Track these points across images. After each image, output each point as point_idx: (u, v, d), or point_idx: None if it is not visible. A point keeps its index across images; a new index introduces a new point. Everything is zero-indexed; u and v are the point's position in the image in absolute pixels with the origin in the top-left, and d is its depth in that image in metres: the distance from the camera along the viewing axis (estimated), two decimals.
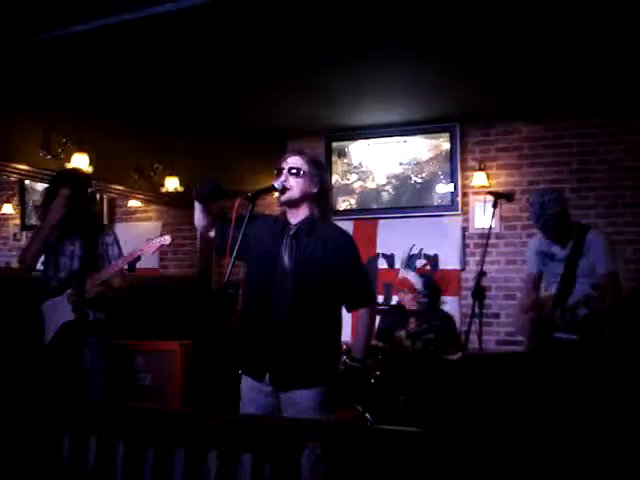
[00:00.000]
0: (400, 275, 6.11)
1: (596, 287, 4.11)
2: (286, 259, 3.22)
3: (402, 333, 5.54)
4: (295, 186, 3.23)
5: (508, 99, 5.85)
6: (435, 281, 6.44)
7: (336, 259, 3.21)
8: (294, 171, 3.24)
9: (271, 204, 6.92)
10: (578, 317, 4.21)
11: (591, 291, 4.18)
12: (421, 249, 6.68)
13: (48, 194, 4.51)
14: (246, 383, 3.26)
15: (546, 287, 4.67)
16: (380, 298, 6.61)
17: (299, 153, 3.36)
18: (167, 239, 4.36)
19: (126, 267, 4.43)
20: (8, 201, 7.70)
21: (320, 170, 3.34)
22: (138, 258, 4.36)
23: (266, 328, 3.22)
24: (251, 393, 3.23)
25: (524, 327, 4.58)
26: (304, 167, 3.26)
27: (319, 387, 3.15)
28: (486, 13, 4.09)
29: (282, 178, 3.24)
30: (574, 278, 4.37)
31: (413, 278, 5.93)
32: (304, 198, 3.26)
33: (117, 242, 4.56)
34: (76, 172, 4.80)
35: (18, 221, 7.72)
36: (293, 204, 3.27)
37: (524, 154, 6.40)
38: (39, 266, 4.59)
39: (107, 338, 4.50)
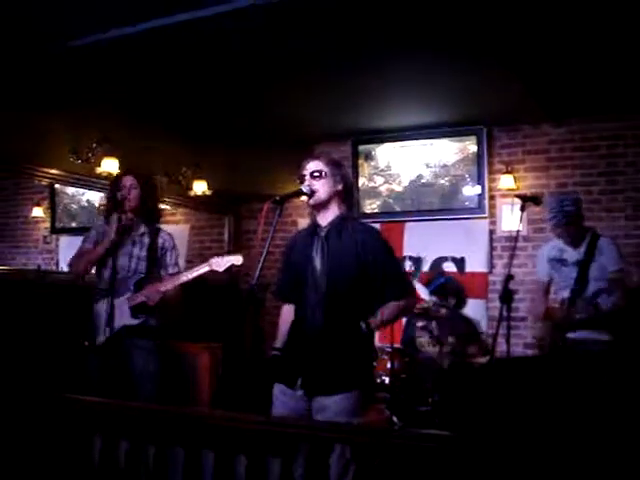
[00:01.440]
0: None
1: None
2: (318, 261, 3.25)
3: (424, 338, 5.56)
4: (320, 188, 3.27)
5: (535, 101, 5.81)
6: (451, 284, 6.40)
7: (369, 256, 3.23)
8: (316, 174, 3.29)
9: (297, 207, 6.98)
10: (600, 307, 4.37)
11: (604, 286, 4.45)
12: (448, 252, 6.67)
13: (108, 199, 4.51)
14: (279, 387, 3.28)
15: (558, 292, 4.78)
16: None
17: (317, 157, 3.41)
18: (239, 259, 4.31)
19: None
20: (38, 204, 7.81)
21: (340, 168, 3.40)
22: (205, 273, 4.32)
23: (299, 332, 3.27)
24: (283, 397, 3.24)
25: (546, 334, 4.67)
26: (325, 168, 3.31)
27: (352, 392, 3.15)
28: (513, 16, 4.08)
29: (306, 183, 3.29)
30: (587, 281, 4.51)
31: (419, 289, 5.92)
32: (331, 198, 3.31)
33: (176, 248, 4.54)
34: (139, 173, 4.64)
35: (48, 224, 7.83)
36: (322, 206, 3.31)
37: (551, 156, 6.36)
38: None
39: (160, 341, 4.46)
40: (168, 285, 4.30)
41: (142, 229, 4.46)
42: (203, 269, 4.29)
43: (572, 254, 4.60)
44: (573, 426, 3.22)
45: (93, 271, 4.48)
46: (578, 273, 4.53)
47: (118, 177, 4.60)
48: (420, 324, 5.70)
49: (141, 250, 4.41)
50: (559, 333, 4.51)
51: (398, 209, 6.96)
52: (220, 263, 4.27)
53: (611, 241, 4.64)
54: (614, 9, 3.96)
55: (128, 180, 4.42)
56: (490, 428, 2.77)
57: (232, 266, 4.27)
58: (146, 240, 4.43)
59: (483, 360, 5.26)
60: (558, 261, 4.68)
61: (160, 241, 4.46)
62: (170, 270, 4.44)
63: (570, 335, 4.46)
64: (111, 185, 4.58)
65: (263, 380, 3.37)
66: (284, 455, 2.41)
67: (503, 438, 2.51)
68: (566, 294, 4.57)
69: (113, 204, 4.37)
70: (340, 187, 3.32)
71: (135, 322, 4.29)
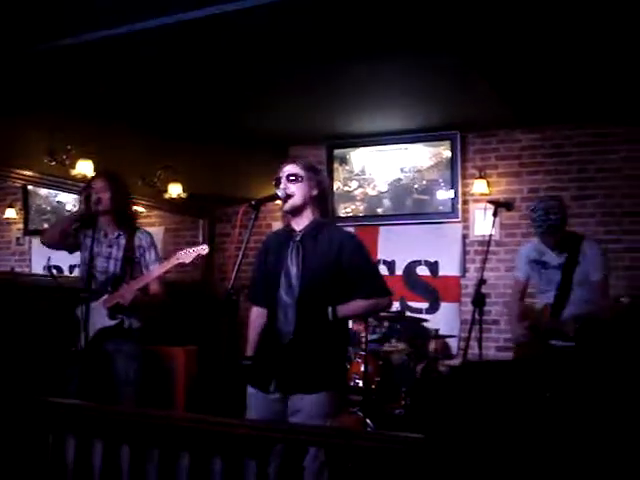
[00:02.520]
0: None
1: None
2: (293, 266, 3.27)
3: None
4: (296, 191, 3.29)
5: (508, 108, 5.89)
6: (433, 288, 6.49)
7: (344, 259, 3.25)
8: (292, 178, 3.31)
9: (272, 210, 6.99)
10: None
11: (584, 306, 4.35)
12: (421, 256, 6.74)
13: (81, 203, 4.54)
14: (252, 390, 3.29)
15: (538, 295, 4.74)
16: None
17: (293, 161, 3.43)
18: (205, 248, 4.32)
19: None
20: (11, 206, 7.73)
21: (317, 173, 3.42)
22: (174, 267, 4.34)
23: (271, 336, 3.29)
24: (257, 399, 3.26)
25: (523, 335, 4.62)
26: (301, 172, 3.33)
27: (326, 392, 3.18)
28: (488, 22, 4.13)
29: (282, 186, 3.30)
30: (570, 286, 4.44)
31: None
32: (306, 202, 3.32)
33: (154, 245, 4.53)
34: (113, 174, 4.64)
35: (21, 226, 7.74)
36: (297, 210, 3.33)
37: (524, 162, 6.45)
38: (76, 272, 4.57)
39: (142, 345, 4.45)
40: (139, 283, 4.30)
41: (117, 231, 4.45)
42: (172, 263, 4.31)
43: (553, 257, 4.52)
44: (542, 430, 3.26)
45: (76, 273, 4.49)
46: (562, 277, 4.47)
47: (89, 181, 4.59)
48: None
49: (118, 251, 4.40)
50: (541, 339, 4.45)
51: (372, 213, 7.01)
52: (187, 254, 4.29)
53: (595, 244, 4.57)
54: (587, 17, 4.02)
55: (98, 183, 4.41)
56: (461, 431, 2.81)
57: (199, 256, 4.30)
58: (122, 241, 4.42)
59: (451, 362, 5.32)
60: (538, 263, 4.61)
61: (137, 241, 4.45)
62: (151, 268, 4.41)
63: (555, 342, 4.39)
64: (83, 191, 4.55)
65: (238, 383, 3.39)
66: (259, 457, 2.44)
67: (473, 441, 2.55)
68: (549, 299, 4.53)
69: (87, 209, 4.38)
70: (315, 192, 3.34)
71: (112, 323, 4.28)
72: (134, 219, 4.64)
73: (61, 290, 4.58)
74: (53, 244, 4.50)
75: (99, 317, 4.26)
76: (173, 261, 4.30)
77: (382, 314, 5.40)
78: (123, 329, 4.32)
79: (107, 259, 4.38)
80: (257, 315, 3.47)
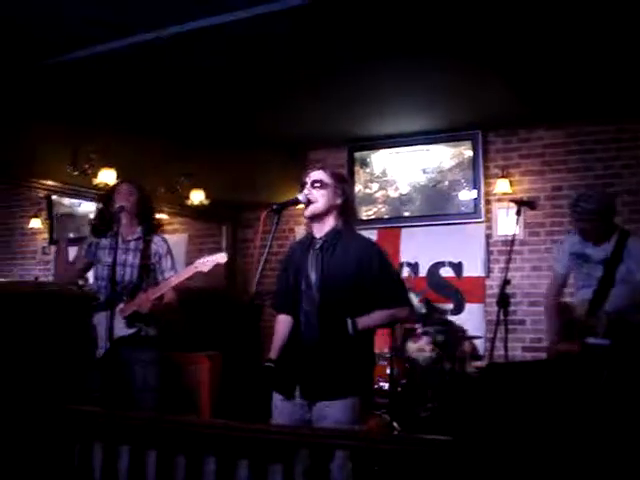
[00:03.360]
0: None
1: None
2: (312, 273, 3.25)
3: (412, 344, 5.59)
4: (319, 198, 3.27)
5: (529, 106, 5.86)
6: (457, 288, 6.44)
7: (365, 268, 3.22)
8: (317, 184, 3.29)
9: (295, 215, 6.99)
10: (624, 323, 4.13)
11: (624, 305, 4.17)
12: (445, 257, 6.70)
13: (100, 211, 4.49)
14: (278, 396, 3.28)
15: (577, 290, 4.53)
16: None
17: (321, 168, 3.42)
18: (223, 257, 4.28)
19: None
20: (36, 216, 7.82)
21: (343, 182, 3.38)
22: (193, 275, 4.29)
23: (295, 343, 3.28)
24: (282, 406, 3.25)
25: (557, 332, 4.50)
26: (327, 180, 3.30)
27: (351, 398, 3.16)
28: (509, 21, 4.12)
29: (306, 192, 3.29)
30: (613, 283, 4.25)
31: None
32: (329, 210, 3.30)
33: (170, 253, 4.48)
34: (129, 179, 4.61)
35: (46, 235, 7.82)
36: (318, 217, 3.30)
37: (547, 160, 6.40)
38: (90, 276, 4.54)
39: (160, 352, 4.42)
40: (157, 292, 4.27)
41: (137, 233, 4.44)
42: (190, 272, 4.28)
43: (596, 251, 4.30)
44: (572, 433, 3.22)
45: (91, 282, 4.48)
46: (604, 273, 4.25)
47: (112, 189, 4.56)
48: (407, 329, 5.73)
49: (134, 258, 4.38)
50: (577, 337, 4.28)
51: (394, 215, 6.99)
52: (205, 263, 4.26)
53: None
54: (606, 13, 3.99)
55: (125, 187, 4.41)
56: (487, 433, 2.78)
57: (217, 265, 4.27)
58: (140, 246, 4.41)
59: (478, 364, 5.27)
60: (580, 256, 4.38)
61: (153, 247, 4.42)
62: (167, 275, 4.38)
63: (591, 340, 4.21)
64: (104, 198, 4.55)
65: (262, 388, 3.38)
66: (285, 461, 2.43)
67: (500, 443, 2.52)
68: (587, 295, 4.31)
69: (106, 218, 4.38)
70: (339, 201, 3.31)
71: (129, 332, 4.25)
72: (157, 225, 4.63)
73: (82, 299, 4.56)
74: (74, 277, 4.52)
75: (116, 325, 4.20)
76: (191, 269, 4.28)
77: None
78: (140, 337, 4.31)
79: (123, 266, 4.33)
80: (282, 322, 3.45)
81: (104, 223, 4.38)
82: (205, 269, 4.25)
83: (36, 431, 3.00)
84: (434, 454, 2.27)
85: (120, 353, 4.21)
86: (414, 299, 5.91)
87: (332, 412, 3.12)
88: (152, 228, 4.52)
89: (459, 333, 5.96)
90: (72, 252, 4.62)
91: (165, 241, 4.54)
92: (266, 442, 2.50)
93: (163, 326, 4.44)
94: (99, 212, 4.50)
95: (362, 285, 3.22)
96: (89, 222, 4.66)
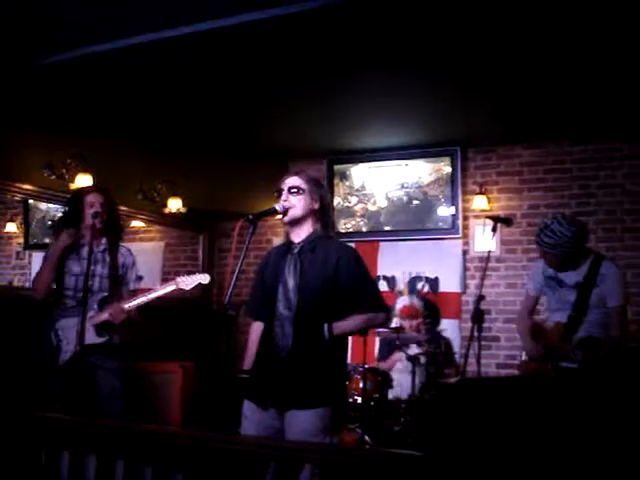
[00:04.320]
0: (406, 302, 6.08)
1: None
2: (290, 278, 3.26)
3: (401, 354, 5.56)
4: (297, 204, 3.29)
5: (509, 124, 5.90)
6: (434, 304, 6.46)
7: (342, 273, 3.24)
8: (294, 190, 3.31)
9: (272, 225, 6.99)
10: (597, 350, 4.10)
11: (598, 330, 4.18)
12: (421, 272, 6.71)
13: (66, 215, 4.47)
14: (248, 405, 3.27)
15: (550, 313, 4.55)
16: None
17: (296, 173, 3.43)
18: (206, 278, 4.32)
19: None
20: (12, 220, 7.75)
21: (319, 187, 3.41)
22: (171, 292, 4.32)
23: (268, 350, 3.27)
24: (253, 415, 3.23)
25: (538, 353, 4.48)
26: (303, 185, 3.33)
27: (322, 408, 3.15)
28: (488, 40, 4.14)
29: (283, 198, 3.30)
30: (587, 308, 4.25)
31: (417, 303, 5.98)
32: (306, 215, 3.32)
33: (135, 264, 4.51)
34: (99, 187, 4.60)
35: (21, 240, 7.76)
36: (296, 222, 3.32)
37: (525, 178, 6.43)
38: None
39: (124, 360, 4.43)
40: (132, 303, 4.28)
41: (103, 245, 4.43)
42: (169, 288, 4.29)
43: (570, 276, 4.29)
44: (544, 447, 3.23)
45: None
46: (577, 297, 4.25)
47: (80, 194, 4.52)
48: (396, 342, 5.70)
49: (103, 268, 4.38)
50: (551, 360, 4.27)
51: (373, 229, 7.00)
52: (187, 282, 4.27)
53: (614, 269, 4.30)
54: (585, 33, 4.02)
55: (97, 198, 4.37)
56: (460, 448, 2.78)
57: (199, 285, 4.27)
58: (107, 258, 4.41)
59: (454, 380, 5.26)
60: (553, 279, 4.38)
61: (121, 259, 4.45)
62: (131, 286, 4.42)
63: (565, 364, 4.21)
64: (71, 201, 4.52)
65: (235, 399, 3.36)
66: (254, 475, 2.41)
67: (471, 459, 2.52)
68: (562, 318, 4.32)
69: (71, 221, 4.34)
70: (317, 206, 3.34)
71: (100, 340, 4.26)
72: (121, 234, 4.63)
73: (44, 305, 4.50)
74: (43, 295, 4.44)
75: (85, 334, 4.15)
76: (171, 286, 4.29)
77: (380, 330, 5.34)
78: (108, 345, 4.31)
79: (92, 277, 4.30)
80: (256, 329, 3.46)
81: (71, 225, 4.35)
82: (186, 288, 4.27)
83: (3, 437, 2.97)
84: (404, 469, 2.27)
85: (87, 360, 4.21)
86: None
87: (303, 422, 3.12)
88: (117, 239, 4.50)
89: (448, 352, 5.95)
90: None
91: (131, 252, 4.57)
92: (234, 454, 2.48)
93: (131, 335, 4.43)
94: (66, 219, 4.46)
95: (339, 288, 3.24)
96: (54, 225, 4.63)
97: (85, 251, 4.31)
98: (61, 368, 4.20)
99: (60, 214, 7.22)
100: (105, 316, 4.25)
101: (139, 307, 4.35)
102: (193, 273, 4.46)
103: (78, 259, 4.34)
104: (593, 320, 4.25)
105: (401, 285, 6.75)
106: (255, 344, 3.41)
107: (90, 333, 4.21)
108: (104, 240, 4.43)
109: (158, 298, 4.36)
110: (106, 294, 4.35)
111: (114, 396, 4.27)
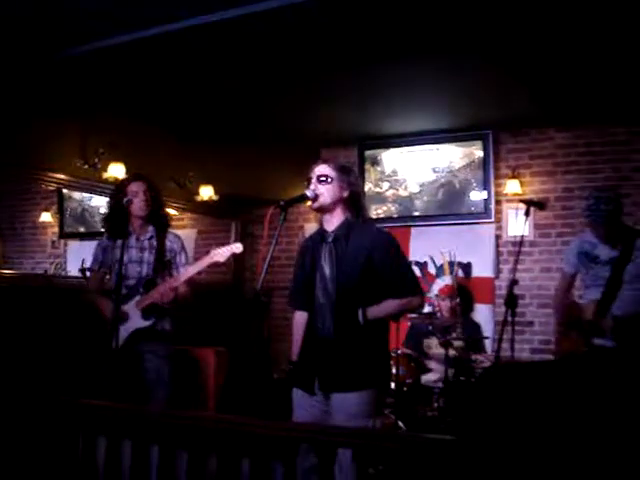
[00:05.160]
0: (447, 281, 6.07)
1: None
2: (326, 266, 3.28)
3: (432, 340, 5.54)
4: (325, 192, 3.29)
5: (541, 106, 5.83)
6: (467, 289, 6.42)
7: (376, 257, 3.24)
8: (323, 178, 3.31)
9: (304, 212, 6.99)
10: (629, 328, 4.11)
11: (633, 306, 4.15)
12: (454, 256, 6.68)
13: (112, 206, 4.46)
14: (297, 392, 3.32)
15: (585, 290, 4.53)
16: None
17: (325, 161, 3.42)
18: (239, 247, 4.31)
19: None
20: (46, 209, 7.84)
21: (348, 175, 3.39)
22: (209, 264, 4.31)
23: (312, 337, 3.31)
24: (301, 402, 3.28)
25: (563, 326, 4.48)
26: (332, 174, 3.32)
27: (367, 390, 3.19)
28: (521, 22, 4.10)
29: (312, 187, 3.30)
30: (620, 283, 4.24)
31: (455, 284, 5.97)
32: (336, 203, 3.32)
33: (184, 249, 4.52)
34: (140, 175, 4.58)
35: (56, 229, 7.85)
36: (326, 210, 3.33)
37: (558, 161, 6.36)
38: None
39: (173, 346, 4.44)
40: (176, 282, 4.29)
41: (150, 232, 4.46)
42: (206, 261, 4.29)
43: (606, 251, 4.31)
44: (575, 434, 3.20)
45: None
46: (611, 273, 4.25)
47: (124, 183, 4.53)
48: (428, 327, 5.69)
49: (150, 255, 4.41)
50: (584, 337, 4.29)
51: (404, 214, 6.97)
52: (221, 253, 4.27)
53: None
54: (621, 16, 3.96)
55: (139, 186, 4.40)
56: (491, 433, 2.77)
57: (233, 254, 4.27)
58: (154, 243, 4.43)
59: (487, 364, 5.24)
60: (588, 256, 4.39)
61: (168, 244, 4.45)
62: (181, 271, 4.42)
63: (597, 341, 4.22)
64: (115, 192, 4.53)
65: (268, 384, 3.39)
66: (287, 458, 2.43)
67: (504, 443, 2.51)
68: (596, 295, 4.31)
69: (118, 213, 4.36)
70: (346, 194, 3.33)
71: (146, 324, 4.28)
72: (168, 221, 4.63)
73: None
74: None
75: (132, 318, 4.26)
76: (207, 260, 4.29)
77: (413, 314, 5.32)
78: (156, 331, 4.32)
79: (139, 263, 4.37)
80: (299, 319, 3.48)
81: (117, 223, 4.35)
82: (221, 259, 4.27)
83: (41, 423, 3.01)
84: (438, 454, 2.26)
85: (136, 346, 4.25)
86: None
87: (348, 404, 3.15)
88: (164, 225, 4.52)
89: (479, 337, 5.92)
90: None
91: (179, 237, 4.58)
92: (269, 438, 2.50)
93: (178, 320, 4.45)
94: (111, 210, 4.48)
95: (374, 273, 3.25)
96: (101, 221, 4.65)
97: (133, 239, 4.37)
98: (113, 354, 4.21)
99: (95, 204, 7.37)
100: (150, 299, 4.28)
101: (190, 287, 4.39)
102: (225, 245, 4.45)
103: (128, 248, 4.35)
104: (628, 296, 4.23)
105: (440, 264, 6.70)
106: (299, 333, 3.44)
107: (137, 317, 4.26)
108: (151, 227, 4.45)
109: (198, 273, 4.39)
110: (151, 277, 4.37)
111: (161, 381, 4.27)
